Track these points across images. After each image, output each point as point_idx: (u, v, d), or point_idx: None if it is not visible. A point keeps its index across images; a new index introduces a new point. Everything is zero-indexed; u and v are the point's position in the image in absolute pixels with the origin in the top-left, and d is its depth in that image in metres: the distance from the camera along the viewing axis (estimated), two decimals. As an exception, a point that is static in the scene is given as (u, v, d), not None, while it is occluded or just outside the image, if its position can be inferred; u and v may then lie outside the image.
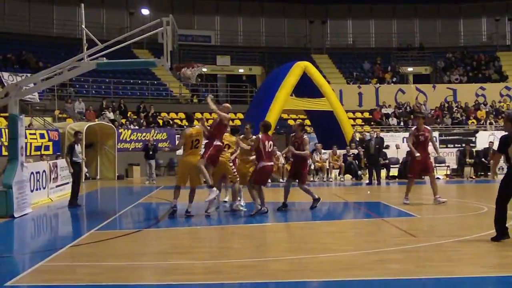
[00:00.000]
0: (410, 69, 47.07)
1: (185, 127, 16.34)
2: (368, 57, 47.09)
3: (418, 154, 15.85)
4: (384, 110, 39.55)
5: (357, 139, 29.87)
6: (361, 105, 40.89)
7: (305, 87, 29.68)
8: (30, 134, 24.64)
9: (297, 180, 15.72)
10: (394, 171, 27.18)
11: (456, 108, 39.72)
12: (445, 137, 33.35)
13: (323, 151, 27.35)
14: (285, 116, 35.72)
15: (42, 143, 25.27)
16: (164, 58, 14.24)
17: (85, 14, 16.10)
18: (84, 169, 24.38)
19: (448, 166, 28.77)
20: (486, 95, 41.46)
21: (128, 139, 30.53)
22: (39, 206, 16.98)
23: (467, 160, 27.84)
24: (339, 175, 26.83)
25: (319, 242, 10.96)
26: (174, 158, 31.68)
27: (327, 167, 26.89)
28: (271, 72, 36.64)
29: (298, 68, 29.35)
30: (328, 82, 33.93)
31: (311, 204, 15.49)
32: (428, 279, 7.80)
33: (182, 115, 37.14)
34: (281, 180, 25.66)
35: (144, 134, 30.89)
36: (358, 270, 8.33)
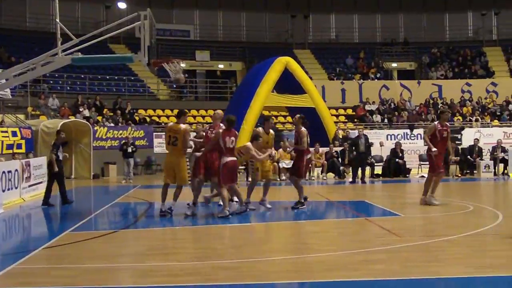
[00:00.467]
0: (394, 64, 47.26)
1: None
2: (351, 52, 47.18)
3: (435, 149, 15.75)
4: (367, 107, 39.72)
5: (340, 137, 29.96)
6: (344, 102, 41.01)
7: (287, 83, 29.71)
8: (2, 132, 24.45)
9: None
10: (378, 170, 27.27)
11: (441, 105, 39.95)
12: (430, 134, 33.52)
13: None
14: (266, 113, 35.70)
15: (14, 141, 25.06)
16: (141, 53, 14.20)
17: (59, 7, 15.95)
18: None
19: (433, 164, 28.86)
20: (472, 91, 41.77)
21: (104, 137, 30.37)
22: (11, 206, 16.85)
23: (452, 157, 27.94)
24: (321, 174, 26.88)
25: (302, 242, 10.98)
26: (152, 156, 31.62)
27: (310, 165, 26.91)
28: (252, 67, 36.66)
29: (280, 63, 29.36)
30: (310, 78, 33.98)
31: (294, 203, 15.53)
32: (413, 280, 7.83)
33: (160, 112, 37.09)
34: (278, 179, 25.61)
35: (120, 132, 30.79)
36: (342, 270, 8.35)
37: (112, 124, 32.08)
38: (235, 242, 11.28)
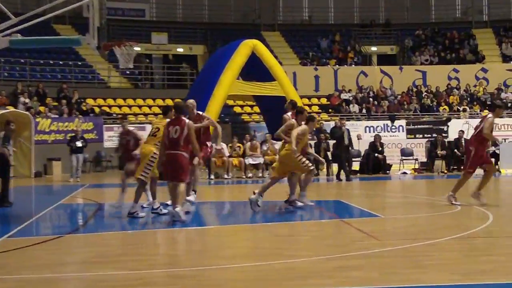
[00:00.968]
0: (373, 48, 47.54)
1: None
2: (326, 34, 47.26)
3: (501, 139, 15.65)
4: (343, 96, 39.89)
5: (314, 129, 29.99)
6: (318, 90, 41.14)
7: (254, 69, 29.72)
8: None
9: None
10: (355, 166, 27.38)
11: (425, 93, 40.30)
12: (413, 126, 33.82)
13: (274, 142, 27.38)
14: (230, 102, 35.75)
15: None
16: (90, 35, 14.11)
17: (-5, -18, 15.83)
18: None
19: (416, 159, 29.12)
20: (460, 78, 42.11)
21: (47, 130, 30.14)
22: None
23: (438, 152, 28.16)
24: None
25: (271, 247, 10.99)
26: (101, 151, 31.43)
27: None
28: (214, 51, 36.64)
29: (246, 47, 29.37)
30: (280, 63, 34.07)
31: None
32: (393, 288, 7.91)
33: (111, 102, 36.87)
34: (225, 176, 25.67)
35: (66, 124, 30.58)
36: (315, 278, 8.38)
37: (56, 115, 31.79)
38: (195, 247, 11.28)
